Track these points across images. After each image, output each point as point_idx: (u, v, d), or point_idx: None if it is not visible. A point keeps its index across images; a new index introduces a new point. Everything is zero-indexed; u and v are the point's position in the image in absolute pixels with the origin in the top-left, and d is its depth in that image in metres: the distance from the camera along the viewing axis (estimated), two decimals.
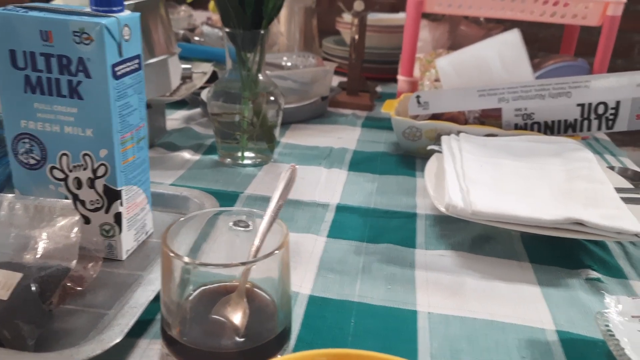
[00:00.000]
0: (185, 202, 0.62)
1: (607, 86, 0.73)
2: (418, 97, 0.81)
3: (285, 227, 0.40)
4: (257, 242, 0.41)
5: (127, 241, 0.52)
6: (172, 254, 0.37)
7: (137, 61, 0.49)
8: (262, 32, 0.71)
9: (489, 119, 0.81)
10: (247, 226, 0.43)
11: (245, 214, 0.43)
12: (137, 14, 0.48)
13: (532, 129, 0.78)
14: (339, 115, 1.03)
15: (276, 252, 0.37)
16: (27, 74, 0.46)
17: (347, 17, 1.35)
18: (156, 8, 0.71)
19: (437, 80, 0.86)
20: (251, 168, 0.77)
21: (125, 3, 0.66)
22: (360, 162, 0.80)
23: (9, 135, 0.49)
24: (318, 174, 0.76)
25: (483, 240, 0.59)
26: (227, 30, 0.71)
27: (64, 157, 0.48)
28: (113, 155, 0.48)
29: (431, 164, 0.69)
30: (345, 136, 0.92)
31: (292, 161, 0.80)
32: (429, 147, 0.74)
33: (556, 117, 0.77)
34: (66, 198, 0.50)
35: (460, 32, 1.09)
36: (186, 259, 0.37)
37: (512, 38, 0.80)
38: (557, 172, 0.66)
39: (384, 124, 0.97)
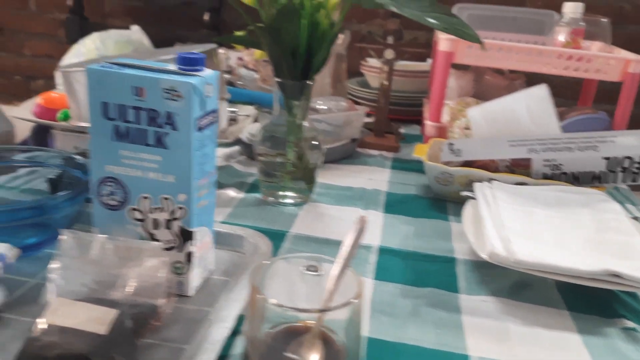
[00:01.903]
0: (240, 240, 0.66)
1: (632, 142, 0.78)
2: (451, 144, 0.85)
3: (359, 276, 0.44)
4: (330, 287, 0.45)
5: (195, 278, 0.56)
6: (260, 296, 0.41)
7: (214, 114, 0.54)
8: (309, 82, 0.76)
9: (519, 168, 0.85)
10: (318, 271, 0.47)
11: (316, 260, 0.47)
12: (217, 73, 0.53)
13: (560, 179, 0.83)
14: (367, 156, 1.08)
15: (354, 301, 0.41)
16: (116, 124, 0.51)
17: (371, 61, 1.41)
18: (210, 57, 0.76)
19: (467, 128, 0.91)
20: (292, 207, 0.81)
21: None
22: (394, 205, 0.85)
23: (94, 178, 0.53)
24: (356, 215, 0.79)
25: (521, 287, 0.63)
26: (277, 79, 0.76)
27: (145, 200, 0.53)
28: (191, 200, 0.52)
29: (467, 211, 0.73)
30: (376, 177, 0.96)
31: (329, 201, 0.84)
32: (463, 194, 0.78)
33: (583, 168, 0.81)
34: (142, 237, 0.54)
35: (485, 81, 1.14)
36: (274, 301, 0.41)
37: (541, 93, 0.85)
38: (587, 222, 0.70)
39: (412, 166, 1.01)
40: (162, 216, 0.53)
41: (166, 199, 0.52)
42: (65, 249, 0.48)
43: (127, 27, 1.72)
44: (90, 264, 0.47)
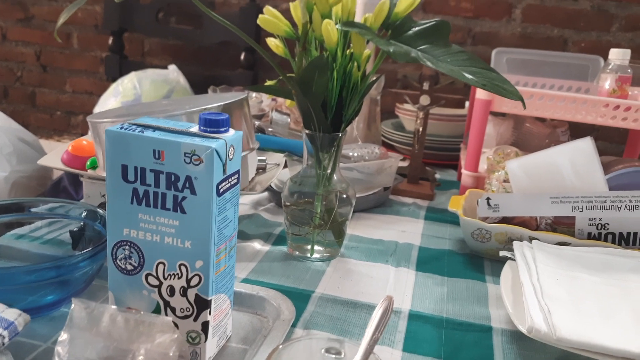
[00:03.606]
0: (262, 302, 0.63)
1: None
2: (488, 199, 0.81)
3: None
4: None
5: (211, 348, 0.53)
6: None
7: (236, 176, 0.51)
8: (340, 134, 0.73)
9: (561, 226, 0.80)
10: (339, 354, 0.44)
11: (338, 342, 0.44)
12: (240, 133, 0.51)
13: (606, 239, 0.77)
14: (400, 204, 1.04)
15: None
16: (135, 187, 0.49)
17: (406, 103, 1.38)
18: (241, 107, 0.75)
19: (505, 181, 0.87)
20: (319, 262, 0.77)
21: (214, 104, 0.70)
22: (427, 262, 0.80)
23: (110, 241, 0.51)
24: (386, 273, 0.76)
25: None
26: (307, 132, 0.73)
27: (161, 266, 0.50)
28: (208, 267, 0.49)
29: (505, 274, 0.69)
30: (409, 229, 0.92)
31: (359, 256, 0.80)
32: (502, 254, 0.73)
33: (632, 229, 0.76)
34: (157, 304, 0.51)
35: (525, 128, 1.10)
36: None
37: (585, 146, 0.80)
38: (637, 290, 0.65)
39: (447, 217, 0.97)
40: (178, 283, 0.50)
41: (183, 265, 0.50)
42: (75, 319, 0.46)
43: (165, 66, 1.74)
44: (99, 337, 0.45)
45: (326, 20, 0.65)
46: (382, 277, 0.75)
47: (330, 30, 0.65)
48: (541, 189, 0.81)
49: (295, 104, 0.81)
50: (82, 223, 0.69)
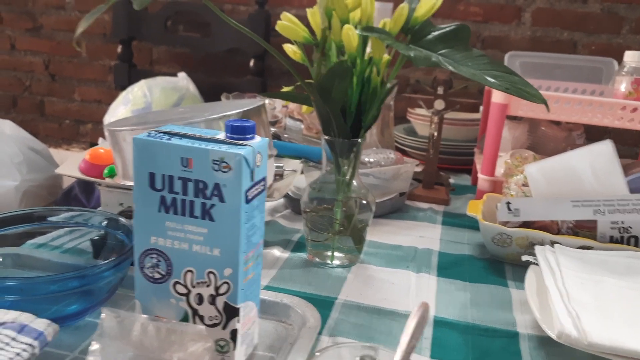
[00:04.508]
0: (286, 310, 0.63)
1: None
2: (508, 203, 0.80)
3: None
4: None
5: (239, 356, 0.52)
6: None
7: (263, 183, 0.51)
8: (359, 140, 0.73)
9: (583, 230, 0.80)
10: None
11: (372, 349, 0.43)
12: (266, 140, 0.51)
13: (629, 242, 0.77)
14: (416, 210, 1.03)
15: None
16: (163, 195, 0.49)
17: (418, 108, 1.38)
18: (259, 113, 0.75)
19: (524, 185, 0.86)
20: (340, 269, 0.77)
21: (234, 112, 0.70)
22: (448, 267, 0.80)
23: (137, 249, 0.51)
24: (407, 279, 0.75)
25: None
26: (326, 137, 0.73)
27: (189, 274, 0.50)
28: (237, 275, 0.49)
29: (530, 279, 0.68)
30: (427, 235, 0.91)
31: (379, 263, 0.80)
32: (524, 258, 0.73)
33: None
34: (185, 313, 0.51)
35: (541, 132, 1.09)
36: None
37: (605, 149, 0.80)
38: None
39: (464, 222, 0.96)
40: (207, 291, 0.50)
41: (211, 273, 0.49)
42: (106, 328, 0.45)
43: (174, 74, 1.75)
44: (130, 347, 0.44)
45: (347, 26, 0.65)
46: (403, 283, 0.74)
47: (350, 35, 0.65)
48: (561, 193, 0.80)
49: (309, 110, 0.81)
50: (103, 232, 0.68)
